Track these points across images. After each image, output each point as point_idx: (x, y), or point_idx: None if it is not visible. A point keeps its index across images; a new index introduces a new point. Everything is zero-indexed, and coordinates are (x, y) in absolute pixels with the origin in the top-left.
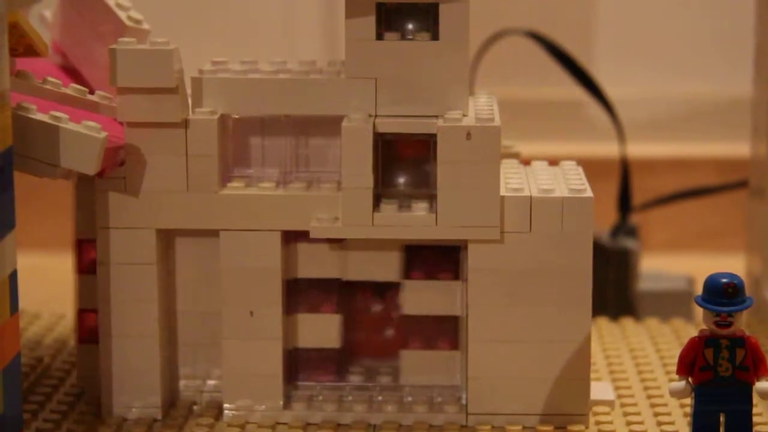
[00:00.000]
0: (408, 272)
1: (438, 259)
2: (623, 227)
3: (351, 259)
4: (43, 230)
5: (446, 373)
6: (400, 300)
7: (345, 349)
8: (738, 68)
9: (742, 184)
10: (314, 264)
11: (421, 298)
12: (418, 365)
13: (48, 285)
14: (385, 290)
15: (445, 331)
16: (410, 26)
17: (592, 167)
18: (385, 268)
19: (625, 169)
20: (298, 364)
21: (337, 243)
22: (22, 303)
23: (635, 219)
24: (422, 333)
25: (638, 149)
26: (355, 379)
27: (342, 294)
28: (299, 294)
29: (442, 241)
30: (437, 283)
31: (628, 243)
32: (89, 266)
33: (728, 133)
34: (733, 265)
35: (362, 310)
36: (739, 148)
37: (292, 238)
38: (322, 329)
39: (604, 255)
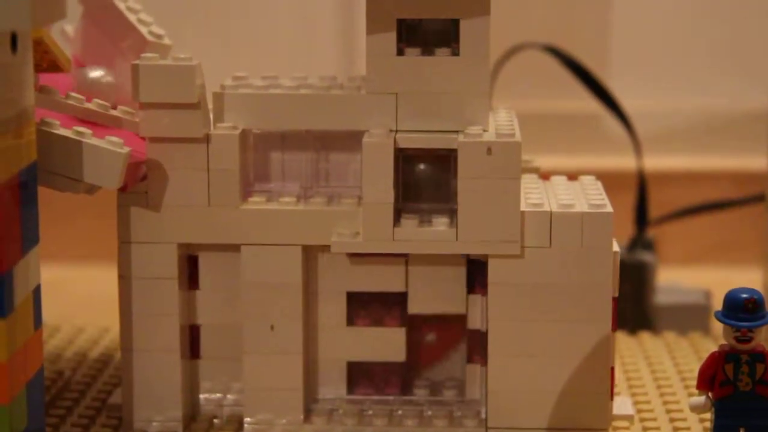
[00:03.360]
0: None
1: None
2: (640, 241)
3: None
4: (55, 242)
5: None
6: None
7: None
8: (754, 82)
9: (759, 198)
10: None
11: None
12: None
13: (65, 297)
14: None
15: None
16: (431, 42)
17: (608, 180)
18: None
19: (642, 183)
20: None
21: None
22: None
23: (652, 232)
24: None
25: (655, 162)
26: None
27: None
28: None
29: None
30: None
31: (645, 256)
32: None
33: (745, 146)
34: (750, 278)
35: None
36: (755, 162)
37: (313, 252)
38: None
39: (621, 269)
